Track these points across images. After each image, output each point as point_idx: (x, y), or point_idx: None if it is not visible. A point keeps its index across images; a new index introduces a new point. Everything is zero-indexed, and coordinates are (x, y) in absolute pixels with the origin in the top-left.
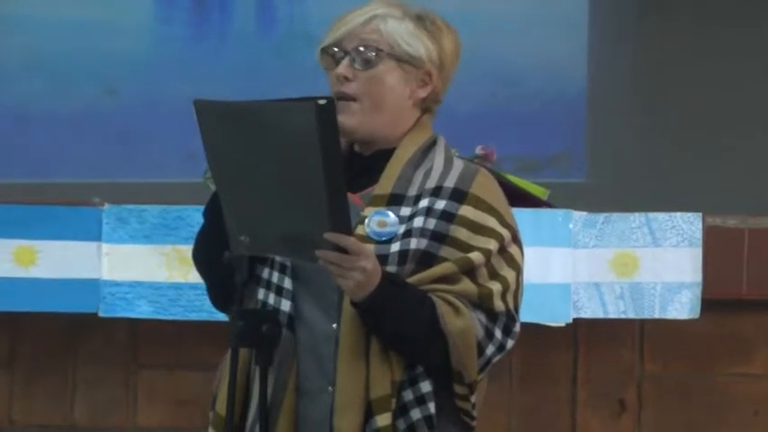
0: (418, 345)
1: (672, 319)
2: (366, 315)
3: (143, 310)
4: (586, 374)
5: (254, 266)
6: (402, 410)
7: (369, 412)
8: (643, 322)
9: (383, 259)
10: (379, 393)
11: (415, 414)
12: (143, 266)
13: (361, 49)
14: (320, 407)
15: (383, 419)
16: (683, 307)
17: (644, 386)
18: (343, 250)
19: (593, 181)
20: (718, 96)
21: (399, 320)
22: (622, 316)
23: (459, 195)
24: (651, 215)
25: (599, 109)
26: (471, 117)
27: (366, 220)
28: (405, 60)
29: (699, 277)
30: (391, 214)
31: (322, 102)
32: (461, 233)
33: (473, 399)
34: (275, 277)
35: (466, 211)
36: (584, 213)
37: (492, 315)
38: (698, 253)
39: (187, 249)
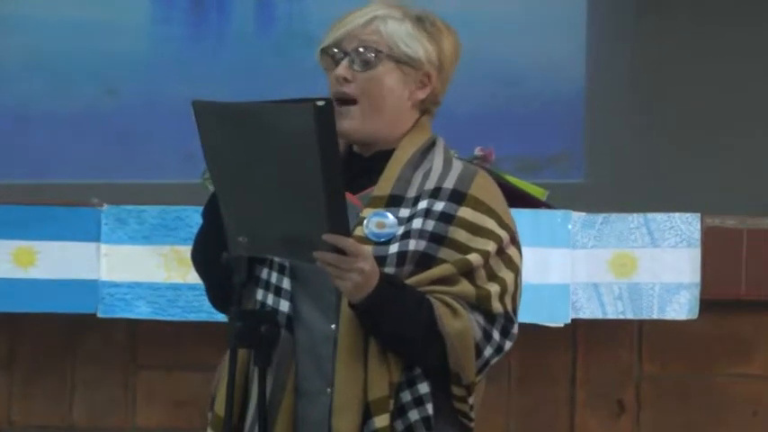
0: (416, 346)
1: (670, 319)
2: (364, 316)
3: (142, 310)
4: (585, 375)
5: (252, 267)
6: (400, 411)
7: (367, 413)
8: (642, 323)
9: (381, 260)
10: (378, 394)
11: (413, 415)
12: (142, 267)
13: (361, 50)
14: (319, 408)
15: (381, 420)
16: (682, 307)
17: (642, 387)
18: (341, 252)
19: (592, 181)
20: (717, 96)
21: (397, 322)
22: (621, 316)
23: (457, 197)
24: (650, 215)
25: (597, 109)
26: (470, 118)
27: (365, 222)
28: (404, 62)
29: (697, 278)
30: (390, 215)
31: (320, 103)
32: (460, 235)
33: (471, 400)
34: (274, 278)
35: (464, 212)
36: (583, 214)
37: (490, 317)
38: (696, 253)
39: (186, 250)
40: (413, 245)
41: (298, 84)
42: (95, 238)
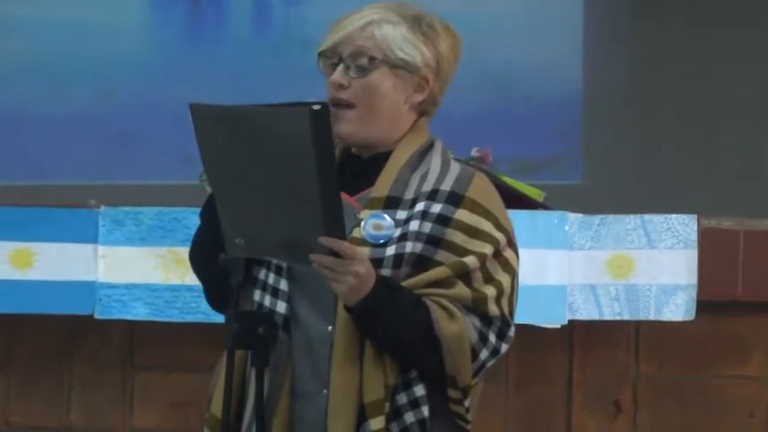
0: (412, 349)
1: (667, 320)
2: (359, 319)
3: (139, 312)
4: (582, 376)
5: (250, 268)
6: (396, 414)
7: (362, 416)
8: (638, 324)
9: (378, 262)
10: (373, 397)
11: (409, 417)
12: (139, 268)
13: (356, 56)
14: (315, 409)
15: (376, 423)
16: (679, 308)
17: (639, 388)
18: (337, 254)
19: (589, 183)
20: (713, 98)
21: (393, 325)
22: (618, 318)
23: (455, 199)
24: (646, 217)
25: (594, 111)
26: (467, 119)
27: (362, 223)
28: (399, 67)
29: (694, 279)
30: (387, 217)
31: (316, 107)
32: (457, 237)
33: (467, 403)
34: (271, 279)
35: (461, 215)
36: (580, 215)
37: (486, 319)
38: (693, 255)
39: (183, 251)
40: (409, 247)
41: (295, 86)
42: (93, 239)
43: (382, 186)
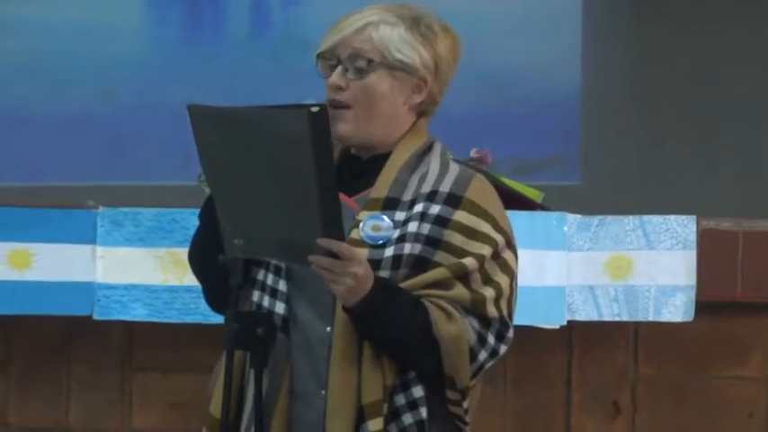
0: (411, 350)
1: (666, 321)
2: (358, 320)
3: (138, 312)
4: (581, 377)
5: (249, 269)
6: (394, 415)
7: (361, 417)
8: (637, 325)
9: (377, 264)
10: (371, 398)
11: (407, 419)
12: (138, 269)
13: (353, 58)
14: (313, 410)
15: (375, 424)
16: (678, 309)
17: (638, 389)
18: (335, 255)
19: (588, 184)
20: (713, 98)
21: (391, 326)
22: (617, 318)
23: (453, 200)
24: (645, 218)
25: (593, 111)
26: (466, 119)
27: (361, 224)
28: (397, 68)
29: (693, 280)
30: (386, 218)
31: (315, 109)
32: (456, 238)
33: (465, 404)
34: (270, 279)
35: (460, 216)
36: (579, 216)
37: (485, 321)
38: (692, 256)
39: (182, 252)
40: (408, 248)
41: (293, 87)
42: (91, 240)
43: (381, 187)
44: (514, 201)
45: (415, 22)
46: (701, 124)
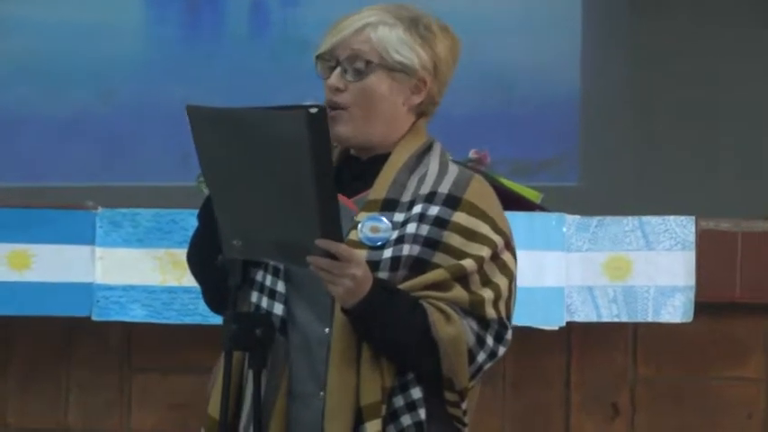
0: (409, 352)
1: (665, 322)
2: (356, 322)
3: (137, 313)
4: (580, 378)
5: (247, 270)
6: (392, 417)
7: (359, 418)
8: (636, 326)
9: (375, 265)
10: (370, 399)
11: (406, 420)
12: (136, 270)
13: (352, 59)
14: (312, 411)
15: (373, 426)
16: (677, 310)
17: (637, 390)
18: (333, 257)
19: (587, 184)
20: (712, 99)
21: (390, 327)
22: (615, 319)
23: (452, 201)
24: (644, 219)
25: (592, 112)
26: (465, 120)
27: (359, 226)
28: (396, 69)
29: (692, 281)
30: (385, 220)
31: (313, 110)
32: (454, 240)
33: (464, 405)
34: (268, 280)
35: (459, 217)
36: (578, 217)
37: (483, 322)
38: (691, 256)
39: (181, 253)
40: (407, 249)
41: (292, 88)
42: (90, 241)
43: (380, 189)
44: (513, 201)
45: (414, 23)
46: (699, 125)
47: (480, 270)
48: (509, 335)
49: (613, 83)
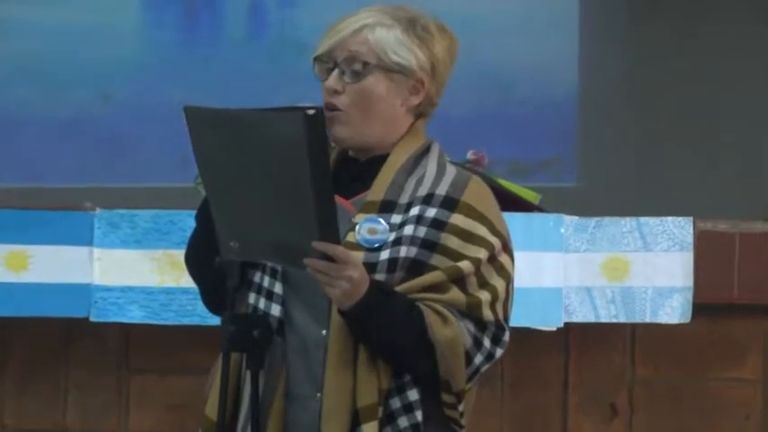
0: (406, 354)
1: (663, 323)
2: (353, 324)
3: (135, 314)
4: (578, 379)
5: (245, 271)
6: (389, 418)
7: (356, 420)
8: (634, 326)
9: (372, 267)
10: (367, 401)
11: (403, 422)
12: (134, 271)
13: (350, 61)
14: (309, 412)
15: (370, 428)
16: (675, 311)
17: (635, 390)
18: (330, 259)
19: (585, 185)
20: (712, 97)
21: (386, 329)
22: (614, 320)
23: (450, 203)
24: (642, 219)
25: (590, 113)
26: (463, 121)
27: (357, 227)
28: (394, 70)
29: (690, 281)
30: (382, 221)
31: (310, 112)
32: (452, 241)
33: (461, 407)
34: (266, 282)
35: (456, 219)
36: (576, 218)
37: (480, 324)
38: (689, 257)
39: (179, 254)
40: (404, 251)
41: (289, 89)
42: (88, 242)
43: (378, 190)
44: (511, 202)
45: (412, 24)
46: (698, 125)
47: (477, 272)
48: (506, 337)
49: (611, 83)
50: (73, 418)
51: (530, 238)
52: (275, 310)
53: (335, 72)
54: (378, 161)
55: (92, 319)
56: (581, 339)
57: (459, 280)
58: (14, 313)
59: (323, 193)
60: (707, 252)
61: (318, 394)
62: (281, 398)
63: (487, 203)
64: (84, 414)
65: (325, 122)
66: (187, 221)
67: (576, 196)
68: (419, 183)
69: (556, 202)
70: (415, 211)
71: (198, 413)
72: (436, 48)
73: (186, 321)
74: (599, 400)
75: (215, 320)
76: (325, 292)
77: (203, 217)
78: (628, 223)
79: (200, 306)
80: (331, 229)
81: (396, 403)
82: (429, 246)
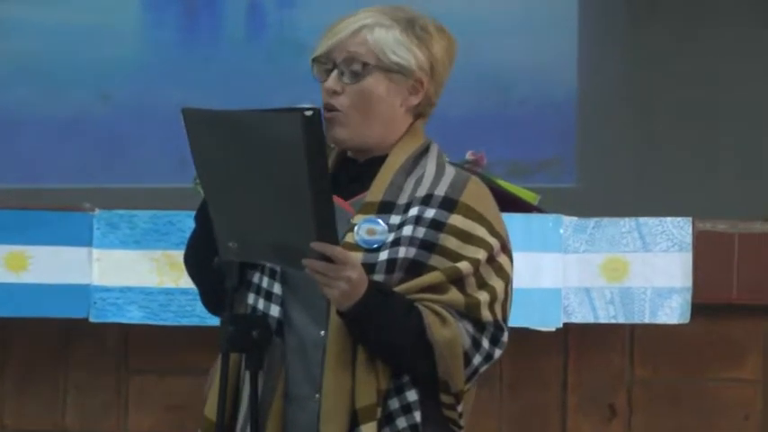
0: (405, 354)
1: (662, 323)
2: (352, 324)
3: (134, 315)
4: (577, 379)
5: (244, 271)
6: (388, 419)
7: (354, 421)
8: (633, 327)
9: (371, 268)
10: (365, 402)
11: (401, 423)
12: (134, 272)
13: (349, 62)
14: (307, 413)
15: (369, 428)
16: (674, 312)
17: (634, 391)
18: (329, 259)
19: (584, 186)
20: (708, 100)
21: (385, 330)
22: (613, 321)
23: (449, 204)
24: (641, 220)
25: (589, 113)
26: (462, 121)
27: (355, 228)
28: (393, 71)
29: (689, 282)
30: (381, 222)
31: (308, 113)
32: (451, 242)
33: (460, 408)
34: (265, 282)
35: (455, 220)
36: (575, 218)
37: (479, 325)
38: (688, 258)
39: (178, 255)
40: (402, 252)
41: (289, 90)
42: (87, 242)
43: (376, 191)
44: (510, 203)
45: (410, 24)
46: (697, 126)
47: (476, 273)
48: (505, 337)
49: (611, 83)
50: (72, 419)
51: (529, 238)
52: (274, 310)
53: (334, 73)
54: (377, 162)
55: (91, 319)
56: (580, 340)
57: (457, 280)
58: (14, 314)
59: (321, 194)
60: (706, 252)
61: (317, 395)
62: (279, 398)
63: (486, 204)
64: (84, 414)
65: (322, 123)
66: (186, 222)
67: (576, 197)
68: (418, 183)
69: (555, 203)
70: (413, 211)
71: (197, 414)
72: (435, 48)
73: (185, 322)
74: (598, 401)
75: (214, 321)
76: (324, 293)
77: (202, 218)
78: (627, 224)
79: (200, 306)
80: (329, 230)
81: (394, 404)
82: (428, 246)
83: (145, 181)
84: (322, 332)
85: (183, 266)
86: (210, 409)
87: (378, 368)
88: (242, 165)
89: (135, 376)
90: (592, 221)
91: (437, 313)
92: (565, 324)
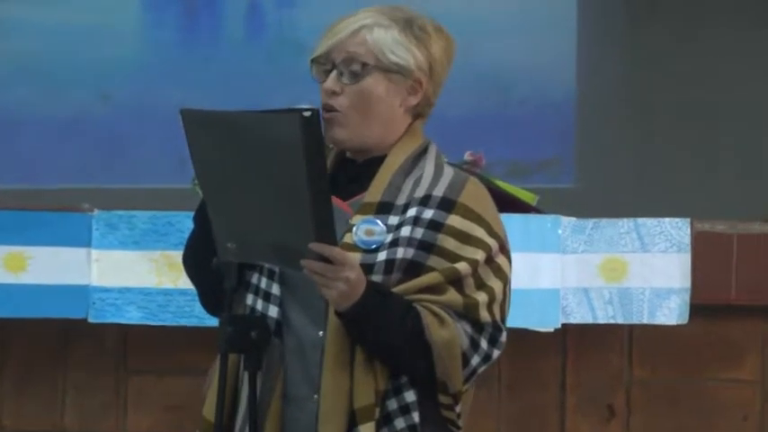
0: (403, 355)
1: (660, 324)
2: (350, 325)
3: (132, 315)
4: (575, 380)
5: (243, 272)
6: (386, 420)
7: (353, 421)
8: (632, 328)
9: (369, 268)
10: (363, 402)
11: (399, 423)
12: (132, 272)
13: (348, 62)
14: (306, 414)
15: (367, 429)
16: (672, 312)
17: (633, 391)
18: (327, 260)
19: (582, 186)
20: (708, 101)
21: (383, 330)
22: (611, 321)
23: (447, 205)
24: (640, 220)
25: (588, 114)
26: (460, 122)
27: (354, 229)
28: (392, 71)
29: (687, 283)
30: (379, 223)
31: (307, 113)
32: (449, 243)
33: (458, 408)
34: (263, 283)
35: (453, 220)
36: (573, 219)
37: (477, 326)
38: (686, 258)
39: (176, 255)
40: (401, 253)
41: (288, 90)
42: (86, 243)
43: (375, 191)
44: (509, 204)
45: (409, 24)
46: (696, 127)
47: (475, 273)
48: (503, 338)
49: (610, 83)
50: (71, 419)
51: (527, 239)
52: (273, 311)
53: (334, 73)
54: (375, 162)
55: (90, 320)
56: (578, 340)
57: (456, 281)
58: (13, 314)
59: (320, 195)
60: (704, 253)
61: (315, 395)
62: (278, 399)
63: (485, 205)
64: (83, 415)
65: (320, 124)
66: (185, 223)
67: (574, 197)
68: (416, 184)
69: (554, 203)
70: (412, 212)
71: (196, 414)
72: (433, 48)
73: (184, 322)
74: (596, 401)
75: (213, 321)
76: (322, 294)
77: (201, 218)
78: (625, 224)
79: (198, 307)
80: (328, 231)
81: (393, 404)
82: (426, 247)
83: (144, 181)
84: (320, 333)
85: (181, 267)
86: (209, 410)
87: (376, 369)
88: (240, 165)
89: (134, 377)
90: (590, 222)
91: (435, 314)
92: (563, 324)
